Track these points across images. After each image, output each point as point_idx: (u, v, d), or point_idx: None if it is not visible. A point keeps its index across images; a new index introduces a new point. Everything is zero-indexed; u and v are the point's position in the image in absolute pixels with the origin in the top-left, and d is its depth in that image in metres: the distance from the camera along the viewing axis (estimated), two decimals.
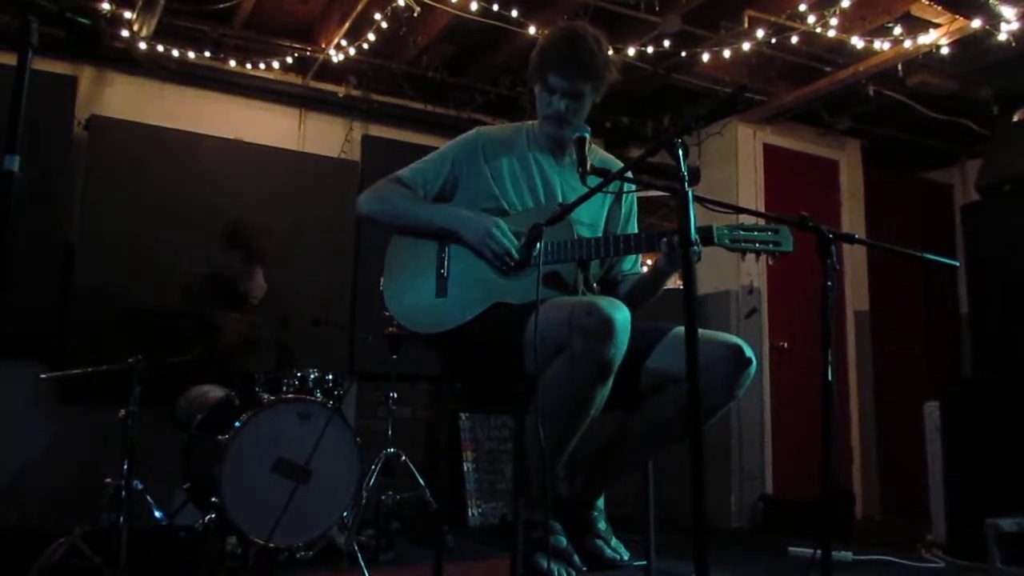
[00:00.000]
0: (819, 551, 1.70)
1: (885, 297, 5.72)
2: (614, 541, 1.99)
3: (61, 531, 2.93)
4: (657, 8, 4.02)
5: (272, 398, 3.12)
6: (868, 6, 4.01)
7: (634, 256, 2.19)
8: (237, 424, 2.99)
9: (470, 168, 2.12)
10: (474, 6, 3.95)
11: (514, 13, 4.04)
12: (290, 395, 3.17)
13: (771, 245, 1.87)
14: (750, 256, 1.91)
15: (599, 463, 2.02)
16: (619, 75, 2.11)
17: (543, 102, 2.07)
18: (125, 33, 4.10)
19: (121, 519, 2.92)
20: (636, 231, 2.22)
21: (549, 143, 2.15)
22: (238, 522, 2.88)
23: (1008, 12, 3.78)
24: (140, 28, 4.06)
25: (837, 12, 3.93)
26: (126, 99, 4.43)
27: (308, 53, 4.58)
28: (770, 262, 1.90)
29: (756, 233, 1.88)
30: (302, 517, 2.96)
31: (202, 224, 4.28)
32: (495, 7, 3.98)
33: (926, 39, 4.07)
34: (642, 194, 2.28)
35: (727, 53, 4.27)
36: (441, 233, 2.06)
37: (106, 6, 3.93)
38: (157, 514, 3.24)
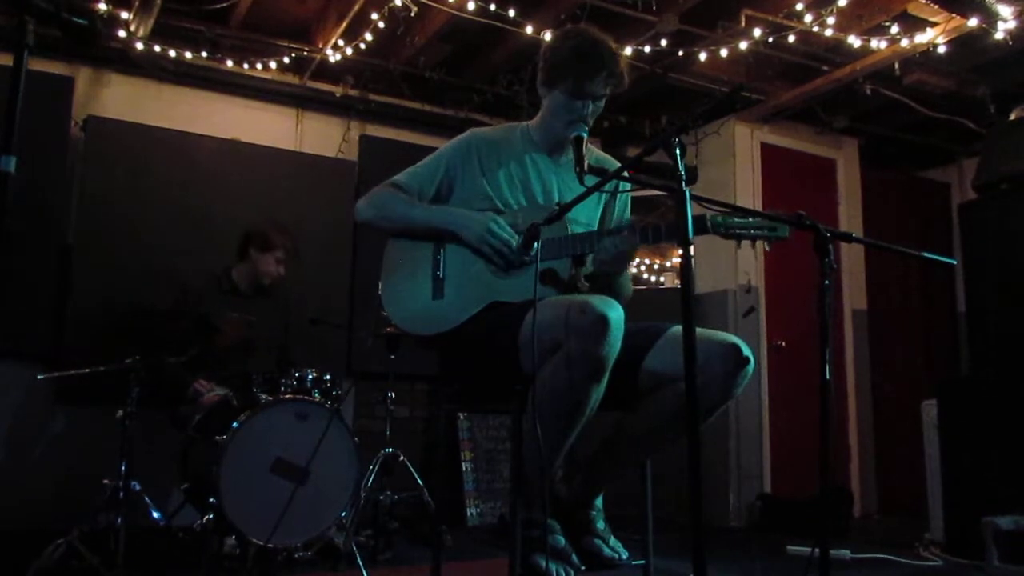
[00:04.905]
0: (817, 550, 1.70)
1: (883, 296, 5.73)
2: (612, 540, 1.99)
3: (59, 532, 2.93)
4: (654, 7, 4.02)
5: (270, 398, 3.12)
6: (865, 5, 4.02)
7: None
8: (235, 425, 2.99)
9: (465, 169, 2.11)
10: (471, 6, 3.95)
11: (511, 13, 4.04)
12: (288, 395, 3.17)
13: (766, 231, 1.83)
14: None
15: (597, 462, 2.02)
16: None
17: (567, 107, 2.02)
18: (122, 33, 4.10)
19: (119, 520, 2.91)
20: None
21: (546, 143, 2.14)
22: (236, 523, 2.88)
23: (1005, 11, 3.78)
24: (137, 28, 4.06)
25: (834, 11, 3.94)
26: (123, 99, 4.43)
27: (305, 53, 4.58)
28: (766, 247, 1.87)
29: (750, 220, 1.84)
30: (300, 517, 2.95)
31: (199, 224, 4.29)
32: (492, 7, 3.97)
33: (923, 38, 4.08)
34: (639, 193, 2.27)
35: (724, 52, 4.28)
36: (439, 234, 2.06)
37: (103, 6, 3.93)
38: (155, 515, 3.24)
